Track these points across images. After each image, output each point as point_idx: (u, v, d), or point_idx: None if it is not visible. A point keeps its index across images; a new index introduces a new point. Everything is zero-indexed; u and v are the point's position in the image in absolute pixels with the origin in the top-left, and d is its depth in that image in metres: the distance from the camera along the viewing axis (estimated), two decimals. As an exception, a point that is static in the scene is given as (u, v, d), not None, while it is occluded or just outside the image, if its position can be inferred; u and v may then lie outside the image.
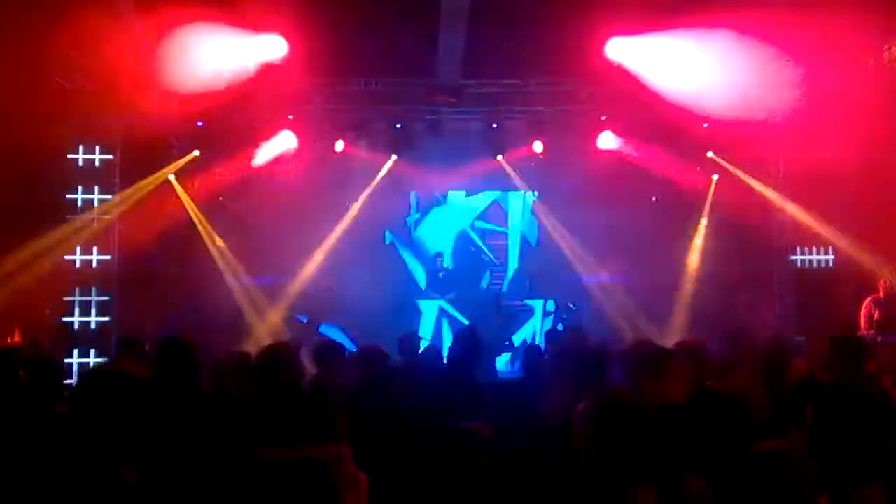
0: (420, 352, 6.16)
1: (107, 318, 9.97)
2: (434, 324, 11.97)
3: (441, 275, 12.10)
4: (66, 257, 9.85)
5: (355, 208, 11.43)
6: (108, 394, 2.81)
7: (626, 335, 9.14)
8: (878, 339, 7.92)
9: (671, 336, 9.76)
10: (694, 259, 11.17)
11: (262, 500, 2.50)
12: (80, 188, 10.06)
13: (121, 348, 5.79)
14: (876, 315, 8.62)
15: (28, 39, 7.43)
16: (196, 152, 10.61)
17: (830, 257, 10.61)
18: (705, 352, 4.23)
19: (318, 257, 11.10)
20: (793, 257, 10.70)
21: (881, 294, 8.81)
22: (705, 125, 10.01)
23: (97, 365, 9.25)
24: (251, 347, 9.17)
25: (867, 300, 8.82)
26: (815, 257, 10.67)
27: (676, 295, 11.02)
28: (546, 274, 11.83)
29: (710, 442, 3.31)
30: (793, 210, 10.56)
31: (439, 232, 12.34)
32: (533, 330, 12.01)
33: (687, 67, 8.54)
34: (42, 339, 8.07)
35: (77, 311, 9.94)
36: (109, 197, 10.08)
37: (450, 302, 11.88)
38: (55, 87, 8.66)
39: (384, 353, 4.96)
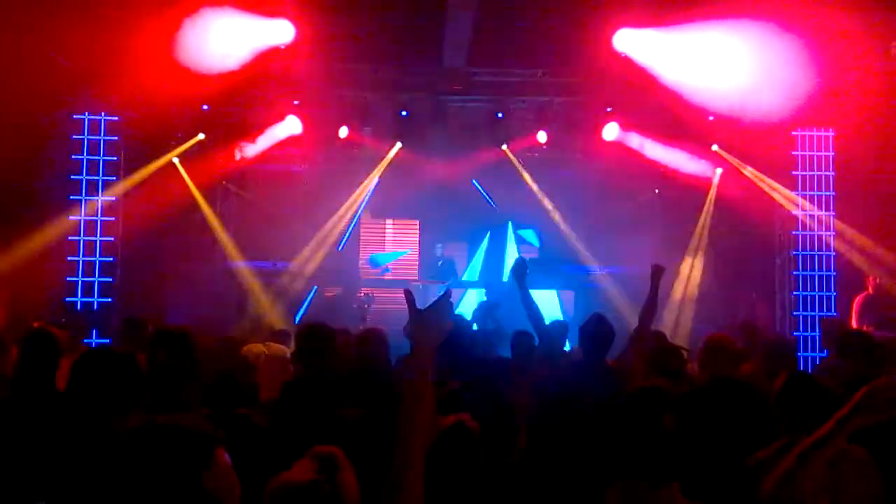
0: None
1: (109, 300, 9.99)
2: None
3: (440, 263, 12.13)
4: (70, 238, 9.86)
5: (358, 195, 11.46)
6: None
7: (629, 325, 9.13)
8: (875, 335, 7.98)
9: (668, 327, 9.83)
10: (694, 250, 11.18)
11: None
12: (84, 169, 10.05)
13: (124, 330, 5.84)
14: (869, 312, 8.72)
15: (28, 20, 7.40)
16: (201, 136, 10.59)
17: (832, 254, 10.55)
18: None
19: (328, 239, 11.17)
20: (793, 252, 10.62)
21: (871, 291, 8.91)
22: (711, 118, 10.00)
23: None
24: (256, 332, 9.34)
25: (858, 298, 8.90)
26: (815, 253, 10.58)
27: (676, 287, 11.05)
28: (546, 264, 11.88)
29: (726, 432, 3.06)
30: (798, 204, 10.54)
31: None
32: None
33: (695, 61, 8.52)
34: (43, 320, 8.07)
35: (80, 292, 9.94)
36: (114, 178, 10.07)
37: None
38: (57, 66, 8.59)
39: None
